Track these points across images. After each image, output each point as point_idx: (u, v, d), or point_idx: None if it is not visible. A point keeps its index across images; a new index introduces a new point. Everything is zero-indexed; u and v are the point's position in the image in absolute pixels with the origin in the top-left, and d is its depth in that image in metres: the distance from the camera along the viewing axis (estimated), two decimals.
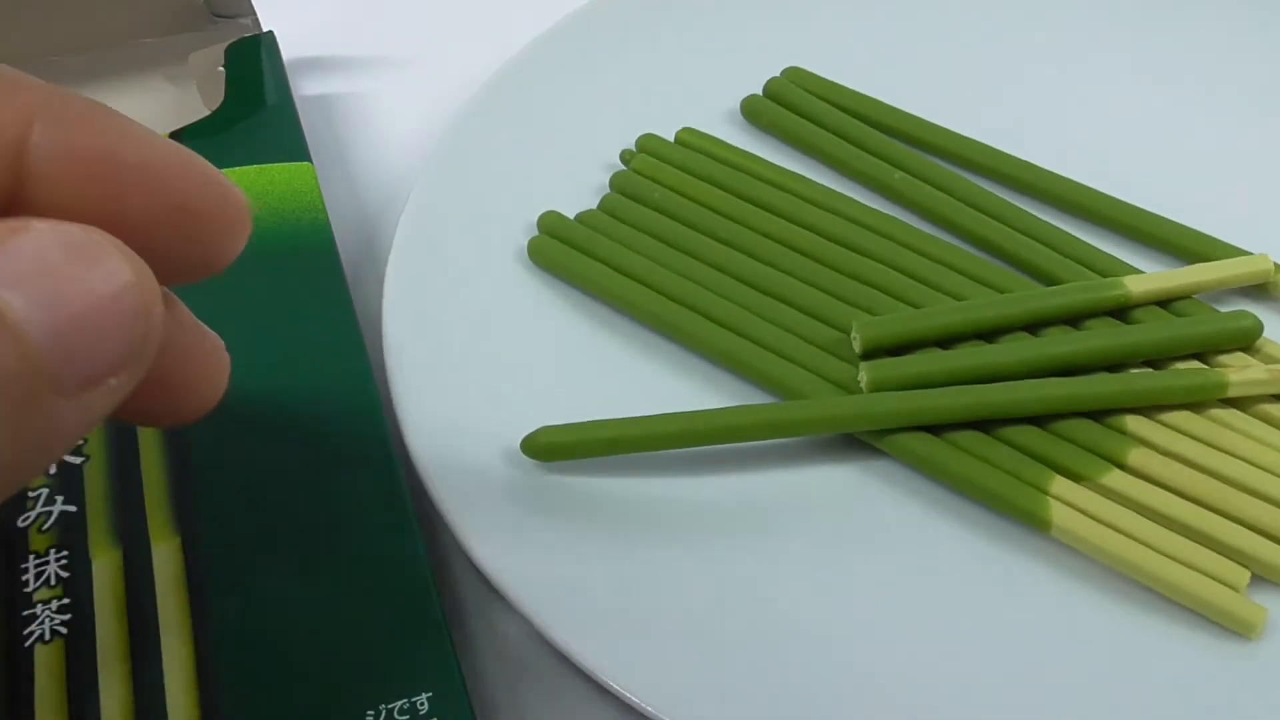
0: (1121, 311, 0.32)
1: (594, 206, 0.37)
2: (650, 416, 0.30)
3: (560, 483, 0.30)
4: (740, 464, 0.31)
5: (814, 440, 0.31)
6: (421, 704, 0.21)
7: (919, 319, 0.32)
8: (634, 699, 0.24)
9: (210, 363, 0.18)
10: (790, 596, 0.28)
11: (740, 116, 0.41)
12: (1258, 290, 0.33)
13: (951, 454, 0.29)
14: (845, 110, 0.39)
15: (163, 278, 0.15)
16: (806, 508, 0.30)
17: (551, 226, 0.36)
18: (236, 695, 0.21)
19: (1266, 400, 0.29)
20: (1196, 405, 0.30)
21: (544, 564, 0.28)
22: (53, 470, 0.24)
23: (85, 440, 0.25)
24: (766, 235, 0.35)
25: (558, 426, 0.30)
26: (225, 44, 0.36)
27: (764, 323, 0.33)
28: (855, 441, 0.31)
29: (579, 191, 0.38)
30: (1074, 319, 0.32)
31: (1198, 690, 0.26)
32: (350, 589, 0.23)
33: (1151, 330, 0.31)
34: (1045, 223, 0.35)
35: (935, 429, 0.29)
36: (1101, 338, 0.30)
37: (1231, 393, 0.29)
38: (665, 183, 0.37)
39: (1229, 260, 0.32)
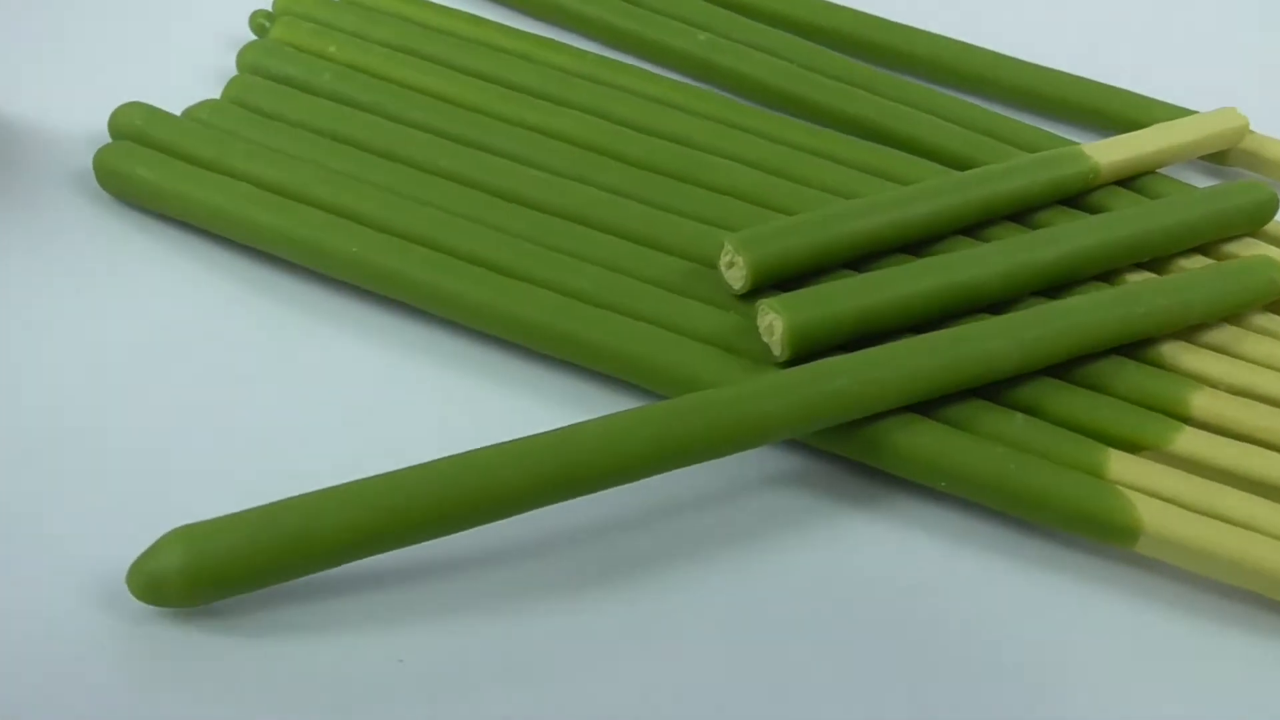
0: (1078, 199, 0.21)
1: (215, 96, 0.21)
2: (382, 478, 0.15)
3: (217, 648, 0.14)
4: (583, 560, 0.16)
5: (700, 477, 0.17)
6: None
7: (825, 224, 0.19)
8: None
9: None
10: None
11: None
12: (1210, 162, 0.24)
13: (950, 444, 0.17)
14: None
15: None
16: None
17: (137, 127, 0.20)
18: None
19: None
20: (1237, 318, 0.19)
21: None
22: None
23: None
24: (525, 128, 0.21)
25: (205, 527, 0.14)
26: None
27: (565, 259, 0.19)
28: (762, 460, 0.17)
29: (184, 80, 0.22)
30: (1026, 210, 0.21)
31: None
32: None
33: (1157, 213, 0.20)
34: (934, 91, 0.24)
35: (918, 407, 0.17)
36: (1096, 231, 0.20)
37: None
38: (338, 58, 0.22)
39: (1195, 117, 0.23)
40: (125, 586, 0.14)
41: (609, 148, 0.21)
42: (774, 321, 0.17)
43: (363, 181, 0.19)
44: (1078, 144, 0.21)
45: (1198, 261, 0.21)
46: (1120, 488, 0.16)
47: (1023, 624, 0.16)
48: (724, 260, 0.18)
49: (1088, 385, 0.18)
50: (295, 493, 0.14)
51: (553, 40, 0.23)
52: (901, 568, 0.16)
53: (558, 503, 0.15)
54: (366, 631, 0.15)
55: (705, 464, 0.16)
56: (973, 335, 0.17)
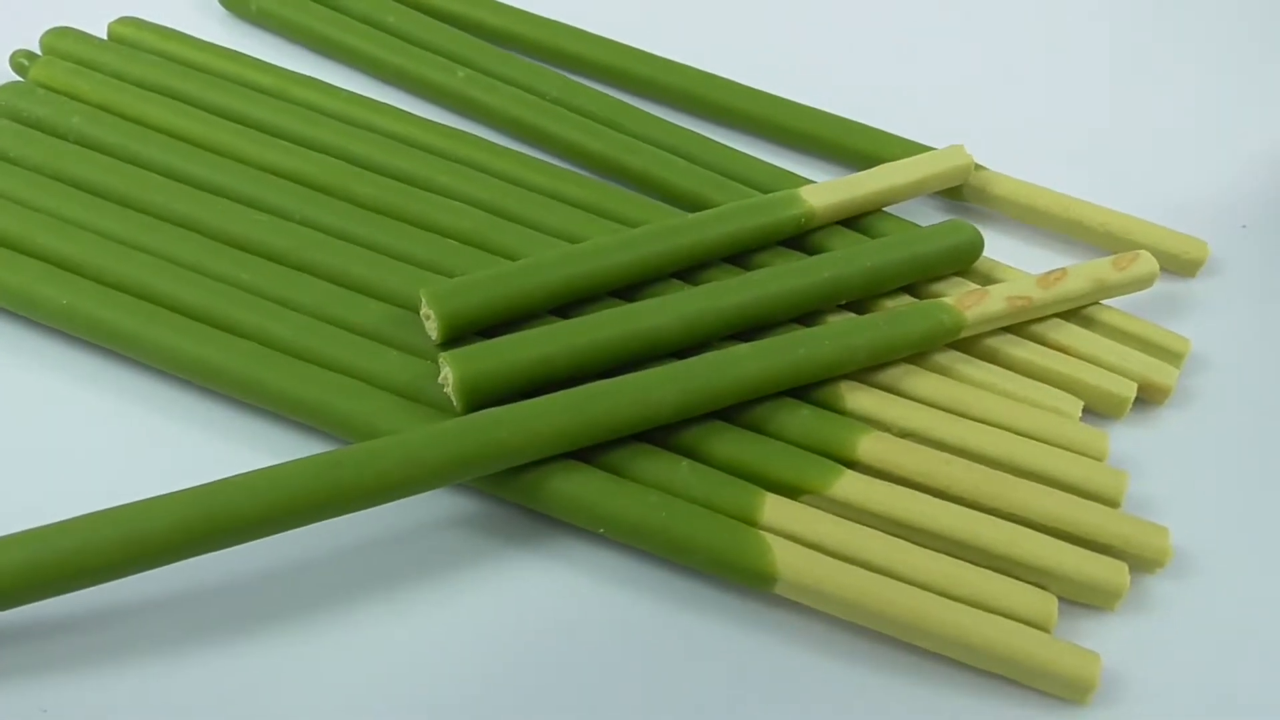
0: (800, 238, 0.22)
1: None
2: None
3: None
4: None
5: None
6: None
7: (521, 275, 0.20)
8: None
9: None
10: None
11: (217, 3, 0.27)
12: (944, 197, 0.25)
13: (607, 491, 0.18)
14: None
15: None
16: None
17: None
18: None
19: (986, 335, 0.21)
20: (919, 357, 0.21)
21: None
22: None
23: None
24: (266, 170, 0.22)
25: None
26: None
27: (271, 306, 0.20)
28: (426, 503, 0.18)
29: None
30: (740, 254, 0.22)
31: None
32: None
33: (855, 258, 0.21)
34: (679, 128, 0.25)
35: (579, 454, 0.18)
36: (789, 276, 0.21)
37: (966, 333, 0.21)
38: (90, 99, 0.23)
39: (919, 157, 0.24)
40: None
41: (339, 188, 0.22)
42: (448, 373, 0.18)
43: (88, 229, 0.20)
44: (797, 189, 0.22)
45: (905, 301, 0.22)
46: (763, 533, 0.18)
47: (669, 662, 0.17)
48: (423, 311, 0.19)
49: (760, 429, 0.19)
50: None
51: (309, 77, 0.24)
52: (561, 608, 0.18)
53: (214, 551, 0.16)
54: (12, 681, 0.16)
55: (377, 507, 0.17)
56: (633, 384, 0.18)
